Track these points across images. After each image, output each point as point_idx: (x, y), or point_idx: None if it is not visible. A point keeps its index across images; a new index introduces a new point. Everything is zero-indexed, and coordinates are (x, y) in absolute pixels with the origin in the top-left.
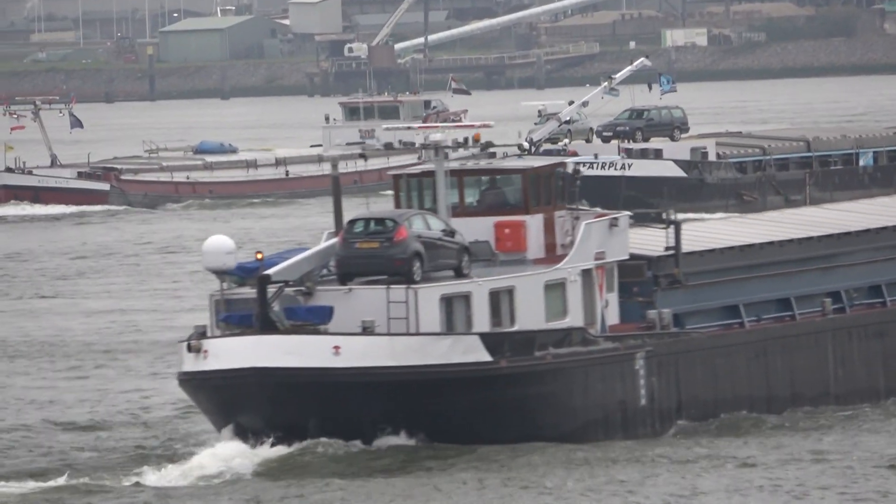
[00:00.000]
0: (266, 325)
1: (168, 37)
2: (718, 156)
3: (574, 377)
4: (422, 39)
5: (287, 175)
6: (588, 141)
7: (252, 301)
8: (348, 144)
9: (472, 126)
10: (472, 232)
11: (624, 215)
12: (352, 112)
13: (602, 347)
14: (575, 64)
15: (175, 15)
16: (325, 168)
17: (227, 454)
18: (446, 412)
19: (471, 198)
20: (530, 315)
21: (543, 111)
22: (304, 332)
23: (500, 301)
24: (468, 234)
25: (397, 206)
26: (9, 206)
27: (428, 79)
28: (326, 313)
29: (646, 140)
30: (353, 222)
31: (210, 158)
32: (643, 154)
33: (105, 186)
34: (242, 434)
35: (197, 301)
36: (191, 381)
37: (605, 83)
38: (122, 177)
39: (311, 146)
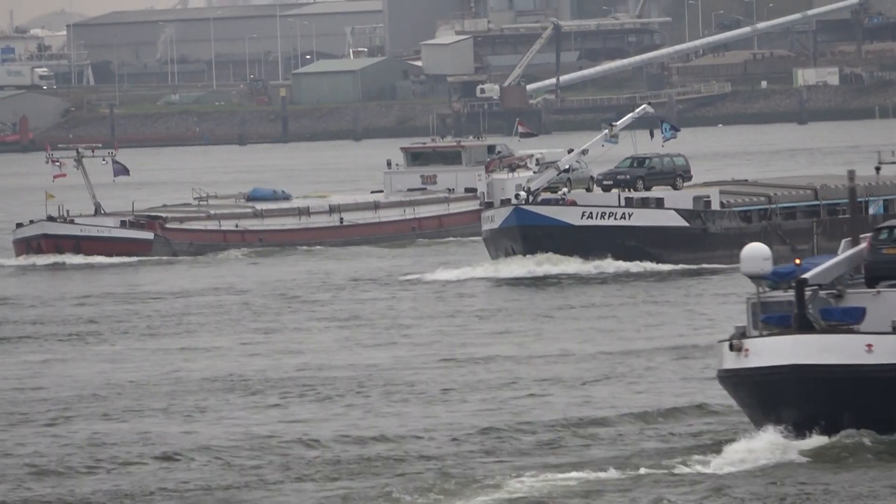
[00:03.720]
0: (804, 325)
1: (301, 79)
2: (722, 204)
3: None
4: (553, 80)
5: (341, 222)
6: (588, 189)
7: (788, 303)
8: (409, 190)
9: None
10: None
11: None
12: (414, 157)
13: None
14: (707, 104)
15: (308, 57)
16: (382, 215)
17: (766, 445)
18: None
19: None
20: None
21: (542, 159)
22: (839, 331)
23: None
24: None
25: None
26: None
27: (560, 119)
28: (859, 314)
29: (647, 189)
30: (880, 230)
31: (260, 206)
32: (644, 203)
33: (149, 235)
34: (780, 427)
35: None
36: (731, 378)
37: (606, 130)
38: (168, 225)
39: (372, 192)
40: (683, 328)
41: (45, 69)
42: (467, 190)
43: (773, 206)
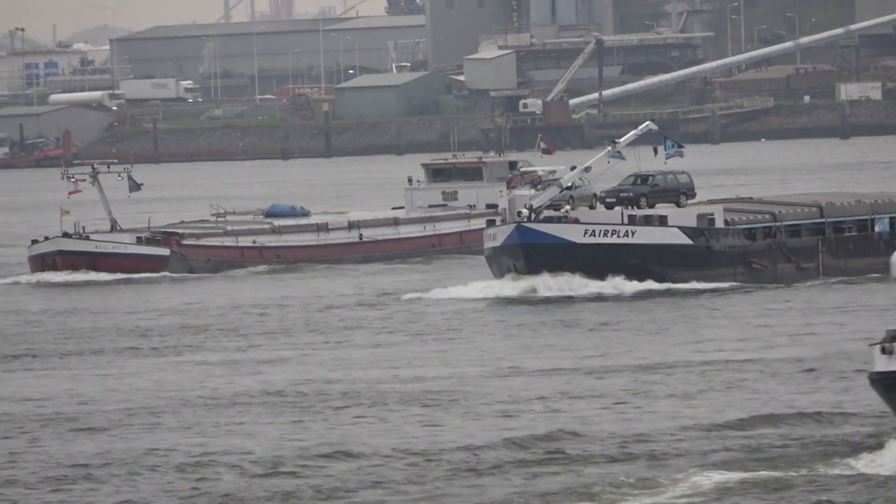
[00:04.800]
0: None
1: (343, 93)
2: (726, 222)
3: None
4: (596, 94)
5: (360, 239)
6: (591, 207)
7: None
8: (430, 207)
9: None
10: None
11: None
12: (435, 173)
13: None
14: (749, 118)
15: (350, 72)
16: (402, 231)
17: None
18: None
19: None
20: None
21: (544, 177)
22: None
23: None
24: None
25: None
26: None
27: (602, 134)
28: None
29: (651, 206)
30: None
31: (279, 222)
32: (647, 221)
33: (165, 252)
34: None
35: None
36: (883, 381)
37: (609, 147)
38: (184, 241)
39: (393, 208)
40: (760, 338)
41: (189, 81)
42: (489, 206)
43: (778, 223)
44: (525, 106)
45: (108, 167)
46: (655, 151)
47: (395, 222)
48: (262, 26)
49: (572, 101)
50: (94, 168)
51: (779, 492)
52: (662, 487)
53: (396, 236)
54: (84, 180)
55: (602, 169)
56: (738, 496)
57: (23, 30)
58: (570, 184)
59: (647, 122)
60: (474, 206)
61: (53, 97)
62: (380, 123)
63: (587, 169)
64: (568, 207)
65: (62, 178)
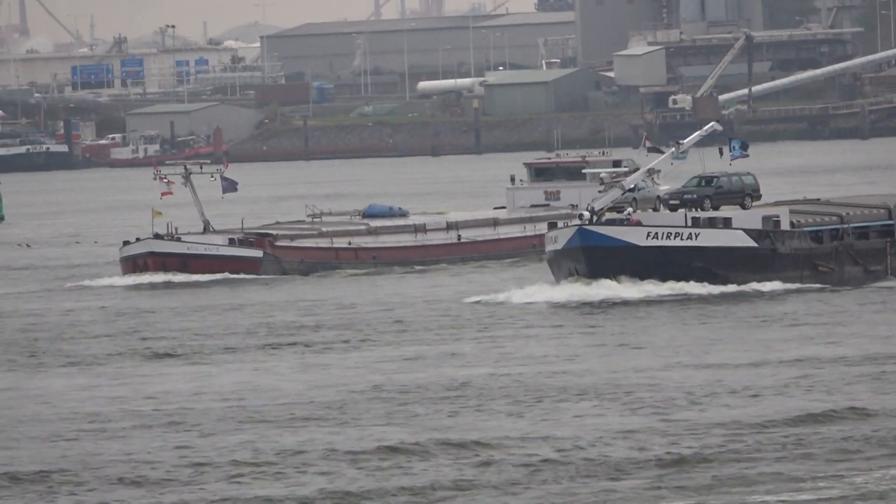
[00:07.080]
0: None
1: (494, 90)
2: (792, 224)
3: None
4: (745, 90)
5: (459, 239)
6: (655, 209)
7: None
8: (532, 206)
9: None
10: None
11: None
12: (538, 173)
13: None
14: None
15: (500, 68)
16: (501, 232)
17: None
18: None
19: None
20: None
21: (606, 179)
22: None
23: None
24: None
25: None
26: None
27: (752, 129)
28: None
29: (715, 208)
30: None
31: (375, 223)
32: (711, 223)
33: (258, 253)
34: None
35: None
36: None
37: (673, 148)
38: (277, 243)
39: (495, 208)
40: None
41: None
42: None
43: (845, 226)
44: (675, 102)
45: (201, 168)
46: (721, 153)
47: (495, 223)
48: (413, 23)
49: (722, 97)
50: (186, 168)
51: None
52: None
53: (496, 237)
54: (173, 182)
55: (665, 170)
56: None
57: (173, 27)
58: (632, 185)
59: (711, 123)
60: (577, 205)
61: (423, 84)
62: (530, 120)
63: (655, 171)
64: (630, 210)
65: (154, 179)
